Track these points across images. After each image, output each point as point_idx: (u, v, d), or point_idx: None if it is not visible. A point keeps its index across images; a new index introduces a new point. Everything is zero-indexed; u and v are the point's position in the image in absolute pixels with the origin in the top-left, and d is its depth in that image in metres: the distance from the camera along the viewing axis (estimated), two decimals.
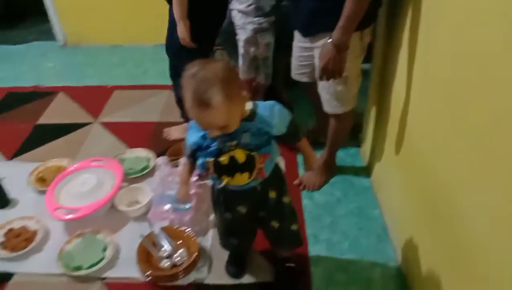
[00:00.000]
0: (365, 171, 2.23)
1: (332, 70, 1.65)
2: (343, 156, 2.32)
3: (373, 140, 2.15)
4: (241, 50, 2.28)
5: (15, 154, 2.43)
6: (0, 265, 1.77)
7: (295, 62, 2.03)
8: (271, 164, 1.35)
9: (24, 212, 2.02)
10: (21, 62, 3.54)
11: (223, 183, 1.33)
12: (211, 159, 1.28)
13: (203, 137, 1.27)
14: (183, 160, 2.01)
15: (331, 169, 2.19)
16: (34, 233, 1.91)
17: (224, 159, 1.26)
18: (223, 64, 1.15)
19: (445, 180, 1.30)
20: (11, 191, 2.12)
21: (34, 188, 2.16)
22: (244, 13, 2.22)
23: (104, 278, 1.72)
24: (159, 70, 2.99)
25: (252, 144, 1.25)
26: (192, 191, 1.91)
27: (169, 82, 2.32)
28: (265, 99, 1.32)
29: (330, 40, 1.58)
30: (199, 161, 1.32)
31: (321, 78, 1.72)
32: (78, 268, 1.74)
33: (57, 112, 2.83)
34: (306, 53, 1.89)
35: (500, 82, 0.96)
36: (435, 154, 1.38)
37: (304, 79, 2.03)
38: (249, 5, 2.13)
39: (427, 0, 1.44)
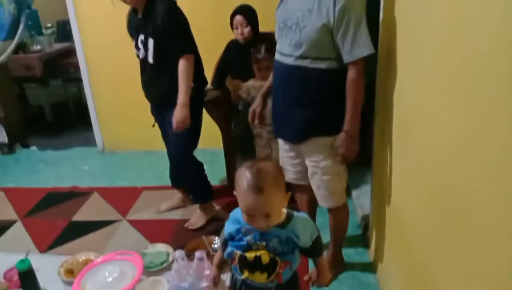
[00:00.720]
0: (372, 268, 2.33)
1: (351, 154, 1.91)
2: (352, 254, 2.44)
3: (376, 239, 2.28)
4: (257, 155, 2.55)
5: (49, 247, 2.66)
6: None
7: (288, 167, 2.17)
8: (290, 271, 1.46)
9: None
10: (63, 165, 3.94)
11: (243, 276, 1.45)
12: (238, 252, 1.42)
13: (238, 231, 1.42)
14: (198, 254, 2.18)
15: (338, 264, 2.30)
16: None
17: (250, 256, 1.40)
18: (274, 163, 1.43)
19: (439, 279, 1.40)
20: (42, 282, 2.30)
21: (63, 279, 2.34)
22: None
23: None
24: None
25: (278, 250, 1.39)
26: (204, 285, 2.06)
27: None
28: None
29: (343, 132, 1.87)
30: (228, 250, 1.47)
31: (343, 163, 1.98)
32: None
33: (90, 210, 3.10)
34: (297, 160, 2.12)
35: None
36: (429, 255, 1.49)
37: (301, 182, 2.19)
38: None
39: (406, 112, 1.69)
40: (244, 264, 1.42)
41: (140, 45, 2.52)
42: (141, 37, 2.50)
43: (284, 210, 1.43)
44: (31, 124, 4.73)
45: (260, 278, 1.42)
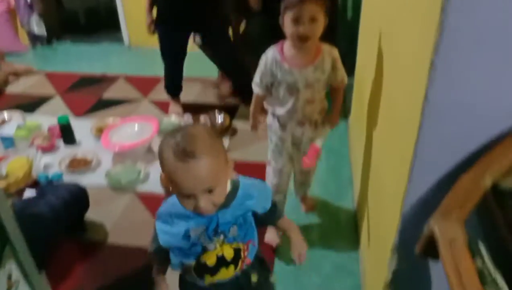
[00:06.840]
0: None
1: None
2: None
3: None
4: None
5: (84, 113, 3.23)
6: (67, 177, 2.49)
7: None
8: (254, 248, 1.18)
9: (84, 149, 2.76)
10: (94, 57, 4.46)
11: (206, 283, 1.16)
12: (192, 261, 1.11)
13: (185, 237, 1.06)
14: (202, 118, 2.66)
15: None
16: (91, 161, 2.62)
17: (211, 260, 1.10)
18: (205, 126, 1.19)
19: None
20: (77, 136, 2.87)
21: (93, 135, 2.90)
22: None
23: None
24: (201, 62, 3.68)
25: (240, 236, 1.11)
26: None
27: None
28: None
29: None
30: (175, 261, 1.12)
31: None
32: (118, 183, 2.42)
33: (117, 91, 3.62)
34: None
35: None
36: None
37: None
38: None
39: None
40: (204, 270, 1.13)
41: None
42: None
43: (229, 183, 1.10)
44: (65, 26, 5.16)
45: (227, 274, 1.15)
